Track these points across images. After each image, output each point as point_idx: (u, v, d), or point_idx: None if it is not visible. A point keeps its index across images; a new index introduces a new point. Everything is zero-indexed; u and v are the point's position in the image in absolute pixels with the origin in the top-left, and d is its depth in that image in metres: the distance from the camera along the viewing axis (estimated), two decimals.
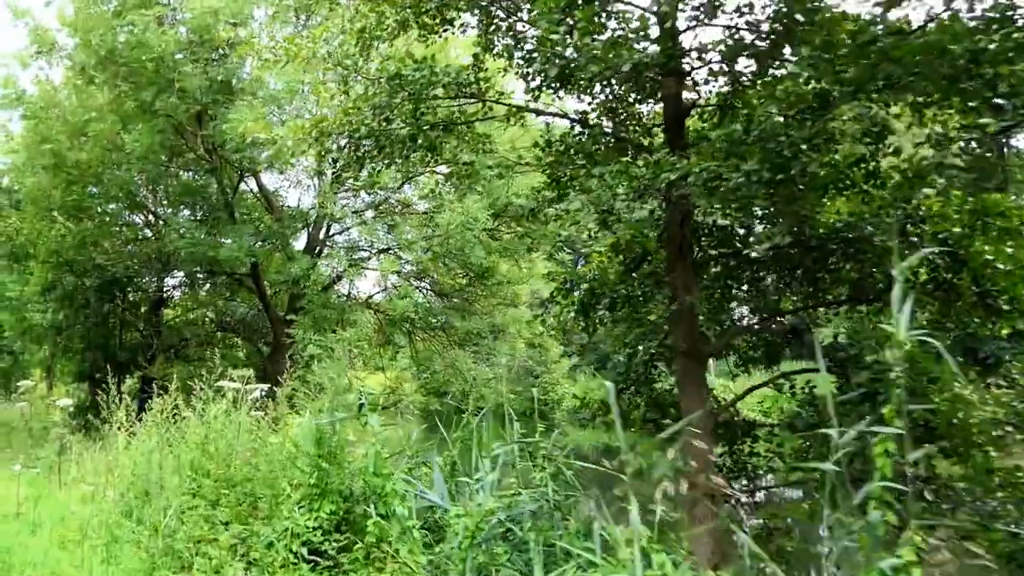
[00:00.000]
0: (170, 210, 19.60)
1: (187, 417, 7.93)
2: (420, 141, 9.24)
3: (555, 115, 9.39)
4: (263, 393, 8.78)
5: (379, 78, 9.06)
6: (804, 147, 6.78)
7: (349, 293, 20.25)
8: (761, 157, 6.61)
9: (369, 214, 20.09)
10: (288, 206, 21.53)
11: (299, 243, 20.95)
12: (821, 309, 9.20)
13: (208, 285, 22.37)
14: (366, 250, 17.51)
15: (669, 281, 8.79)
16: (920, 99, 7.10)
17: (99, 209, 19.75)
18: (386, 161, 10.67)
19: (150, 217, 23.25)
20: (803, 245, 8.57)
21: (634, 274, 10.71)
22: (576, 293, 11.73)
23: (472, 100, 9.58)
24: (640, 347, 9.44)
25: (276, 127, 16.20)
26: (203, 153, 17.55)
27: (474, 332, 17.93)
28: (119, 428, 9.27)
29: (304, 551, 5.27)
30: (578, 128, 9.77)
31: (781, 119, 6.96)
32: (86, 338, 24.52)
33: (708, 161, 6.81)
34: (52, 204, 19.18)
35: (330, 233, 20.75)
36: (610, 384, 4.85)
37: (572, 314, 11.84)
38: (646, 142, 9.08)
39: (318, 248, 20.58)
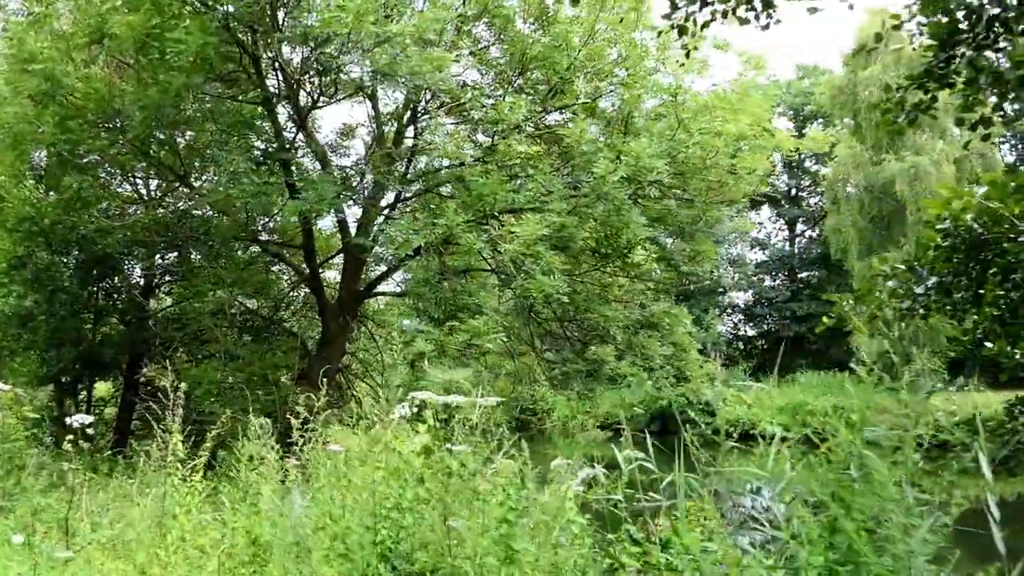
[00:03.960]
0: (203, 158, 14.70)
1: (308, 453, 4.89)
2: None
3: None
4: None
5: None
6: None
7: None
8: None
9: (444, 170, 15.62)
10: (341, 166, 16.88)
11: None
12: None
13: (224, 261, 17.44)
14: (478, 211, 12.99)
15: None
16: None
17: (106, 152, 14.66)
18: None
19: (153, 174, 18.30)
20: None
21: None
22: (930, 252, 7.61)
23: None
24: None
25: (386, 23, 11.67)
26: (255, 71, 12.84)
27: (621, 325, 13.59)
28: (174, 461, 5.57)
29: None
30: None
31: None
32: (58, 330, 19.47)
33: None
34: (40, 143, 14.17)
35: (401, 197, 16.11)
36: None
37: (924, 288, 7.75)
38: None
39: (382, 218, 15.96)
